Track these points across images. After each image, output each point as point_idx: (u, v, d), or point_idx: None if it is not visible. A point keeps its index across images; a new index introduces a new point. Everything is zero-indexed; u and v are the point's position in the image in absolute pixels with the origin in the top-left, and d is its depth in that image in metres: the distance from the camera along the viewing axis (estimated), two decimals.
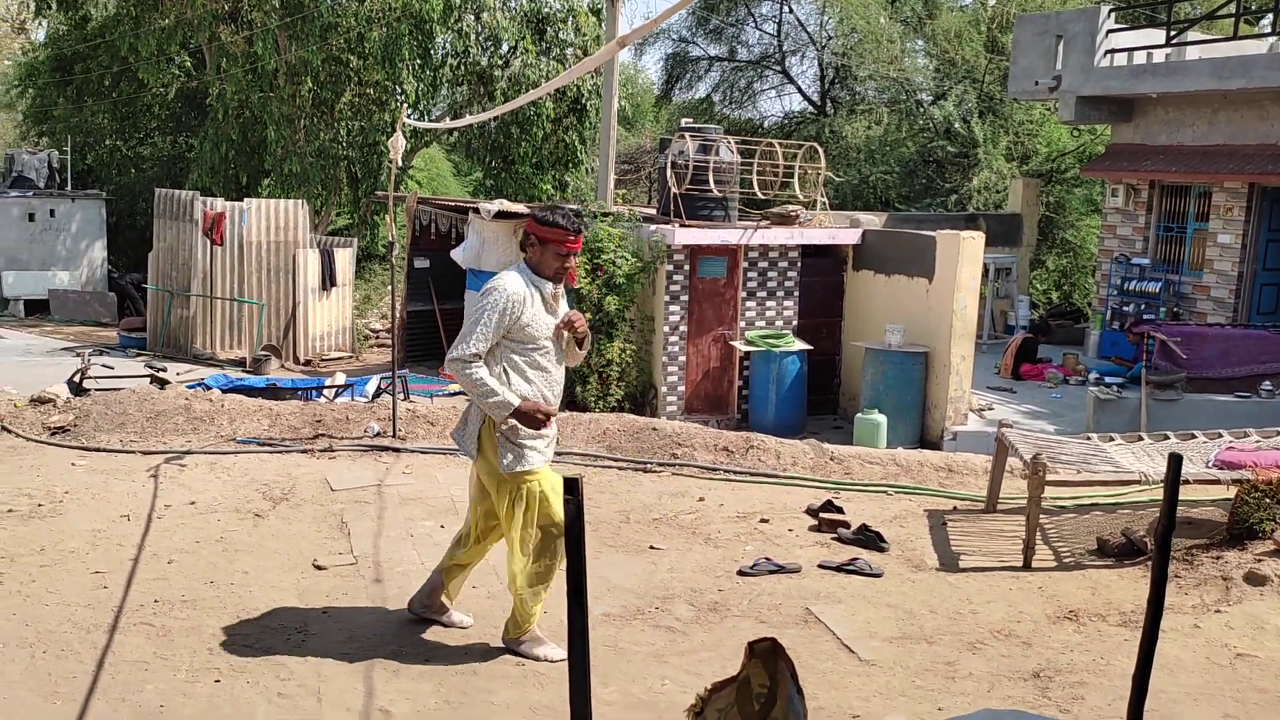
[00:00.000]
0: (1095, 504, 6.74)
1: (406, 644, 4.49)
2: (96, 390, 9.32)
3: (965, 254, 10.86)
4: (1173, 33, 13.95)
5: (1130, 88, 13.68)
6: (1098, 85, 13.92)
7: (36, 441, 7.32)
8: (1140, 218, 14.42)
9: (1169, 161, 13.73)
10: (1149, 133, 14.29)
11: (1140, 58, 13.98)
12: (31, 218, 20.77)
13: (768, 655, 2.19)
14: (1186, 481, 5.65)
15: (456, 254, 14.36)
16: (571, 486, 1.85)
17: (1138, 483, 5.97)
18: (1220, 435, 6.83)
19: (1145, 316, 13.45)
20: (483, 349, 4.20)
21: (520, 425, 4.19)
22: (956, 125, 20.32)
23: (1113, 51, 14.03)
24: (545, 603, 4.40)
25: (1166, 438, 6.87)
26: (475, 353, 4.19)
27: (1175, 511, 1.97)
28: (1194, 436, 6.88)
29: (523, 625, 4.41)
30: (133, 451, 7.16)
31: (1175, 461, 2.03)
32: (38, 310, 20.17)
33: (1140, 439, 6.81)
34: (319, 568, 5.29)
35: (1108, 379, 11.52)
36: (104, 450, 7.17)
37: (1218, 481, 5.95)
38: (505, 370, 4.27)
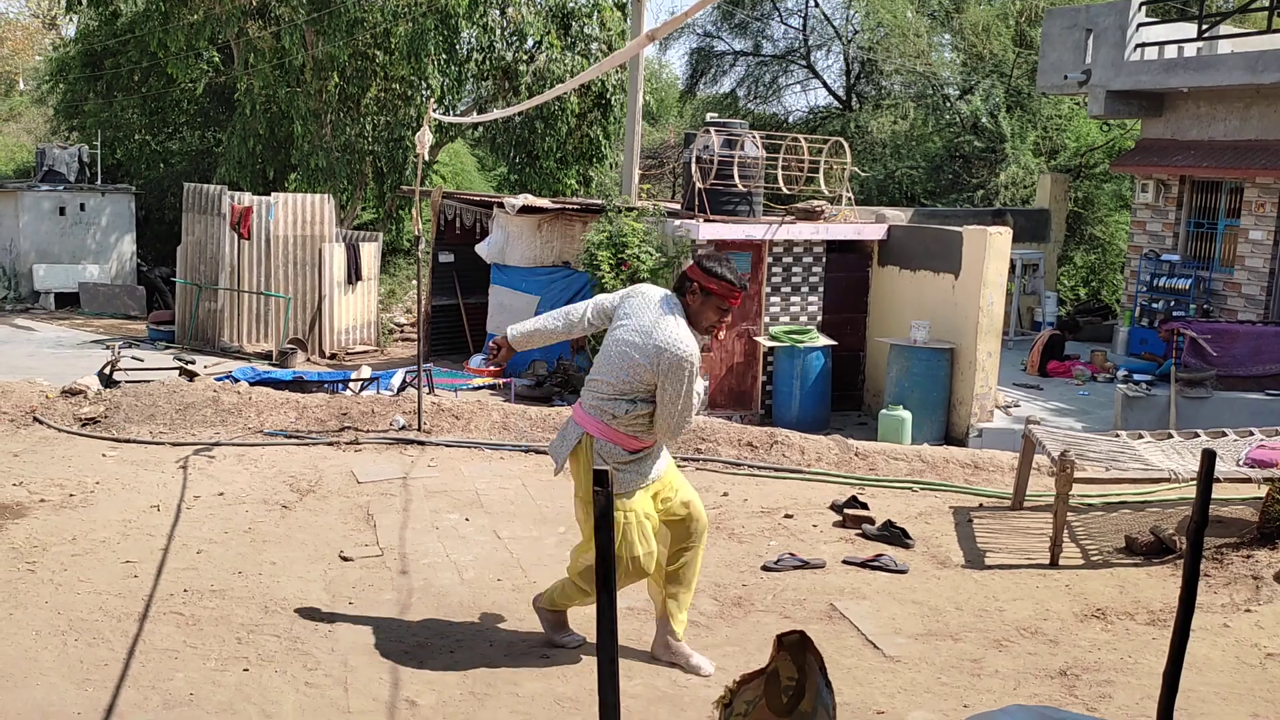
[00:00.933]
0: (1123, 502, 6.68)
1: (432, 635, 4.52)
2: (126, 382, 9.42)
3: (992, 249, 10.79)
4: (1204, 26, 13.78)
5: (1161, 82, 13.53)
6: (1128, 79, 13.77)
7: (68, 432, 7.41)
8: (1170, 213, 14.27)
9: (1200, 156, 13.57)
10: (1180, 127, 14.13)
11: (1171, 51, 13.83)
12: (62, 211, 21.03)
13: (796, 648, 2.19)
14: (1217, 480, 5.59)
15: (481, 249, 14.42)
16: (601, 479, 1.86)
17: (1167, 481, 5.91)
18: (1251, 433, 6.75)
19: (1175, 313, 13.32)
20: (690, 414, 4.07)
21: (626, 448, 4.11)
22: (984, 120, 20.17)
23: (1143, 45, 13.88)
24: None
25: (1196, 435, 6.80)
26: (689, 420, 4.11)
27: (1208, 507, 1.96)
28: (1225, 434, 6.80)
29: (556, 603, 4.41)
30: (162, 443, 7.24)
31: (1209, 457, 2.01)
32: (68, 303, 20.42)
33: (1170, 436, 6.74)
34: (345, 559, 5.33)
35: (1136, 376, 11.42)
36: (134, 441, 7.25)
37: (1249, 480, 5.88)
38: (642, 414, 4.05)
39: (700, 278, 4.05)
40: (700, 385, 4.15)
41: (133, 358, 11.40)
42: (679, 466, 7.13)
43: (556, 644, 4.43)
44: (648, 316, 4.05)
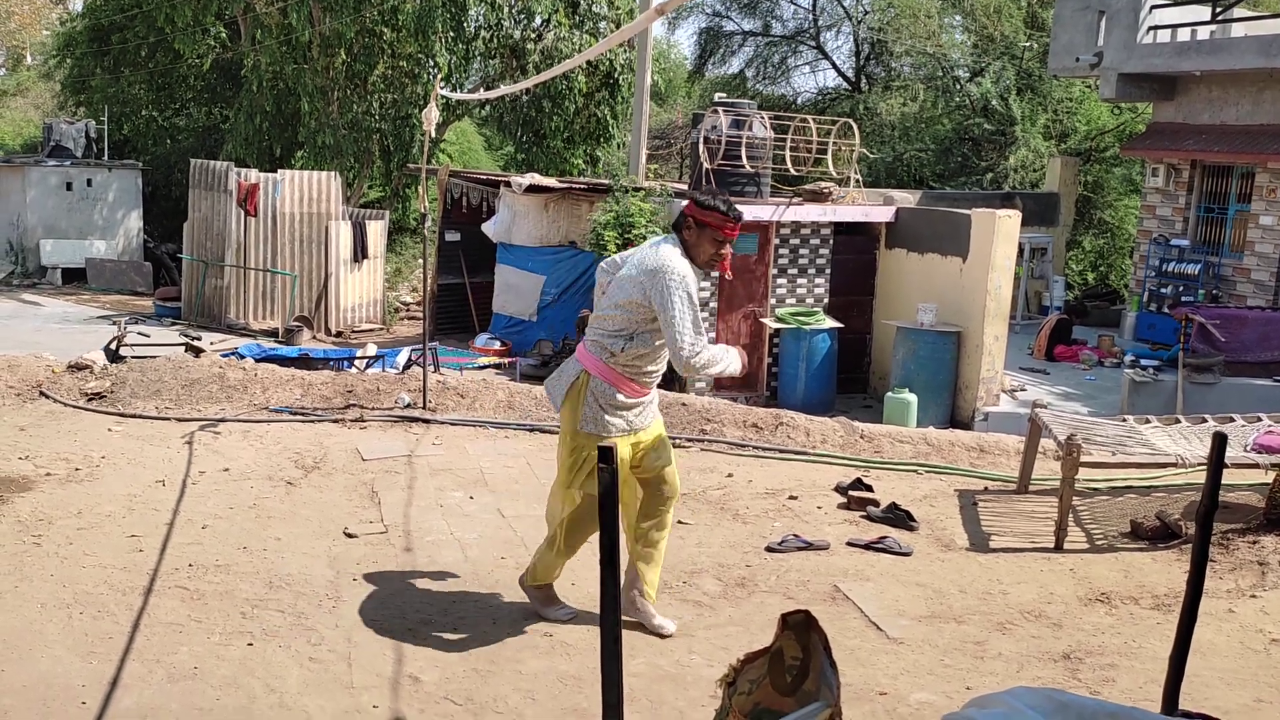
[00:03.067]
0: (1129, 486, 6.67)
1: (436, 613, 4.53)
2: (133, 357, 9.43)
3: (1001, 233, 10.74)
4: (1218, 9, 13.65)
5: (1173, 65, 13.42)
6: (1140, 62, 13.67)
7: (74, 407, 7.42)
8: (1180, 198, 14.19)
9: (1211, 141, 13.48)
10: (1191, 111, 14.03)
11: (1184, 34, 13.72)
12: (69, 187, 21.00)
13: (801, 627, 2.18)
14: (1225, 465, 5.56)
15: (487, 227, 14.38)
16: (606, 455, 1.85)
17: (1174, 465, 5.89)
18: (1259, 419, 6.72)
19: (1184, 299, 13.26)
20: (702, 339, 4.05)
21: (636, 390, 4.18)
22: (994, 102, 20.05)
23: (1156, 28, 13.77)
24: (576, 574, 4.42)
25: (1204, 420, 6.77)
26: (701, 343, 4.03)
27: (1219, 490, 1.94)
28: (1232, 420, 6.78)
29: (540, 578, 4.48)
30: (168, 418, 7.25)
31: (1220, 440, 1.99)
32: (75, 279, 20.42)
33: (1177, 421, 6.72)
34: (350, 536, 5.34)
35: (1144, 361, 11.38)
36: (140, 416, 7.26)
37: (1256, 465, 5.86)
38: (639, 354, 4.14)
39: (695, 211, 4.16)
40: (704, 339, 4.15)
41: (139, 333, 11.40)
42: (683, 445, 7.13)
43: (548, 619, 4.45)
44: (645, 252, 4.22)
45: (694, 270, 4.14)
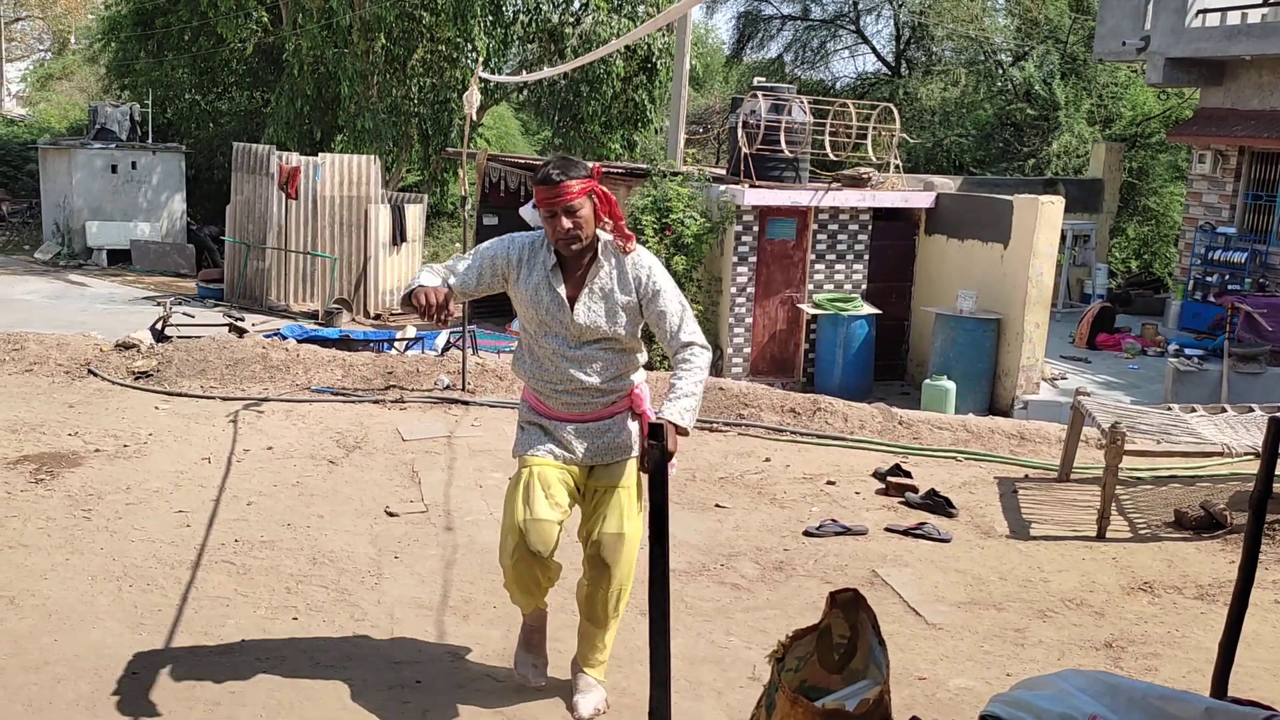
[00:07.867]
0: (1173, 476, 6.59)
1: (476, 591, 4.57)
2: (178, 337, 9.57)
3: (1043, 219, 10.60)
4: None
5: (1222, 49, 13.15)
6: (1188, 47, 13.40)
7: (121, 385, 7.55)
8: (1227, 185, 13.92)
9: (1261, 127, 13.20)
10: (1240, 97, 13.74)
11: (1234, 18, 13.42)
12: (114, 169, 21.29)
13: (849, 605, 2.19)
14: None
15: (525, 211, 14.41)
16: (656, 432, 1.86)
17: (1220, 455, 5.81)
18: None
19: (1230, 287, 13.03)
20: (450, 279, 3.46)
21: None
22: (1037, 87, 19.77)
23: (1205, 11, 13.49)
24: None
25: (1250, 410, 6.67)
26: (446, 270, 3.49)
27: (1273, 475, 1.91)
28: None
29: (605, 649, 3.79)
30: (213, 397, 7.36)
31: (1276, 425, 1.97)
32: (120, 260, 20.73)
33: (1223, 410, 6.62)
34: (391, 514, 5.40)
35: (1188, 350, 11.21)
36: (185, 395, 7.38)
37: None
38: (527, 349, 3.59)
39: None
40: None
41: (183, 314, 11.58)
42: (721, 430, 7.13)
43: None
44: None
45: (547, 251, 3.45)
